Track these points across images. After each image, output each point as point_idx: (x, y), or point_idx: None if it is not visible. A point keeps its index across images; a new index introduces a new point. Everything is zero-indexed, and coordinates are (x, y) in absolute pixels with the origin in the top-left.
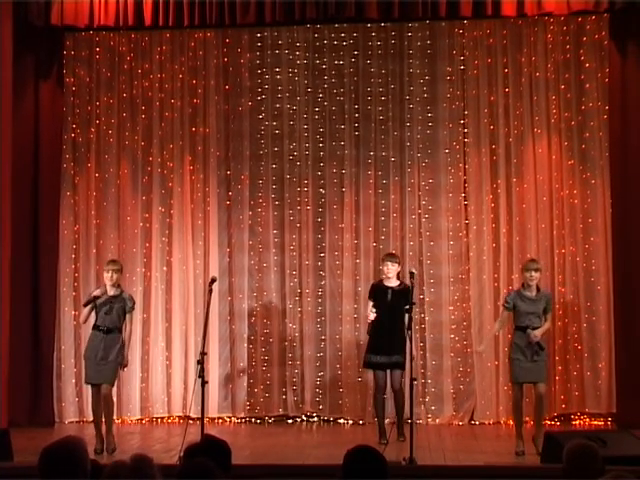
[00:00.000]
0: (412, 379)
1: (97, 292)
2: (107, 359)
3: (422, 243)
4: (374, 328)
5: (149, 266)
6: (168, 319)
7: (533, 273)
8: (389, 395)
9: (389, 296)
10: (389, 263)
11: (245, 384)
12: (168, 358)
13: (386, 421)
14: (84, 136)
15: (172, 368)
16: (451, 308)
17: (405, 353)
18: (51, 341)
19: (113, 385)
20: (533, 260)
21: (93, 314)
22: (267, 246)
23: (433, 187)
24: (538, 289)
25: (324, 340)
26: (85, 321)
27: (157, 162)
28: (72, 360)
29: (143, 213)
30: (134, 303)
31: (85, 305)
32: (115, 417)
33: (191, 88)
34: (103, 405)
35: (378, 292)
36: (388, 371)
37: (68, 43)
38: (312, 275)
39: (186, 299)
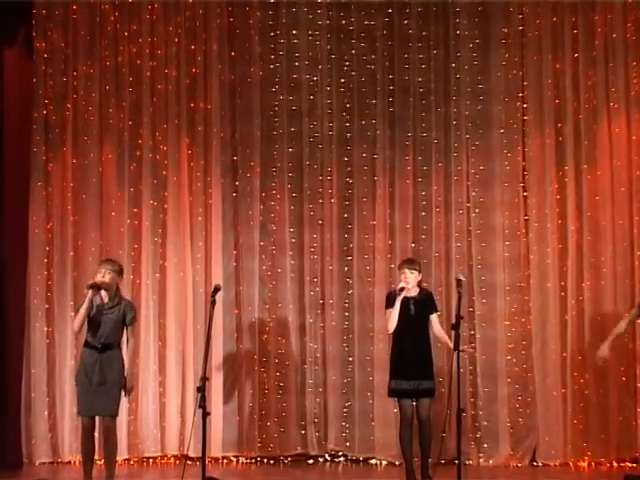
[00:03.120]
0: (460, 410)
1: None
2: (105, 383)
3: (471, 244)
4: (396, 347)
5: (138, 272)
6: (162, 337)
7: None
8: (416, 428)
9: (411, 308)
10: (407, 271)
11: (256, 416)
12: (162, 384)
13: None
14: (58, 113)
15: (166, 397)
16: (507, 323)
17: (434, 376)
18: (19, 365)
19: (116, 416)
20: None
21: (84, 325)
22: (282, 248)
23: (485, 175)
24: None
25: (352, 362)
26: (80, 328)
27: (148, 145)
28: (44, 388)
29: (131, 208)
30: (136, 312)
31: (79, 307)
32: (97, 457)
33: (189, 55)
34: (104, 442)
35: (395, 303)
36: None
37: None
38: (337, 283)
39: (184, 312)
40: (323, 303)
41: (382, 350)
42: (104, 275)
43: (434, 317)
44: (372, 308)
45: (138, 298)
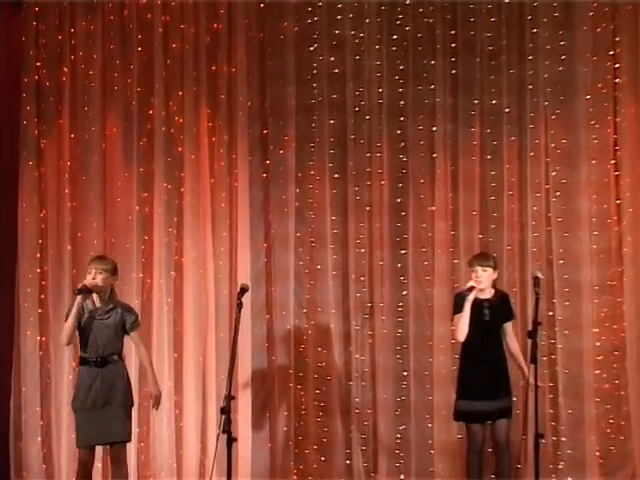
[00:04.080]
0: (538, 436)
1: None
2: (110, 404)
3: (552, 234)
4: (466, 359)
5: (149, 270)
6: (178, 347)
7: None
8: (490, 454)
9: (486, 312)
10: (479, 268)
11: (291, 443)
12: (178, 405)
13: None
14: (53, 79)
15: (184, 419)
16: (596, 330)
17: (511, 392)
18: (6, 381)
19: (129, 440)
20: None
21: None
22: (322, 239)
23: (568, 151)
24: None
25: (407, 377)
26: (69, 340)
27: (160, 117)
28: (37, 409)
29: (141, 192)
30: (137, 316)
31: (68, 314)
32: None
33: (209, 7)
34: (112, 474)
35: (464, 307)
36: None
37: None
38: (389, 282)
39: (204, 318)
40: (372, 306)
41: (443, 363)
42: (94, 276)
43: (509, 327)
44: (431, 312)
45: (149, 301)
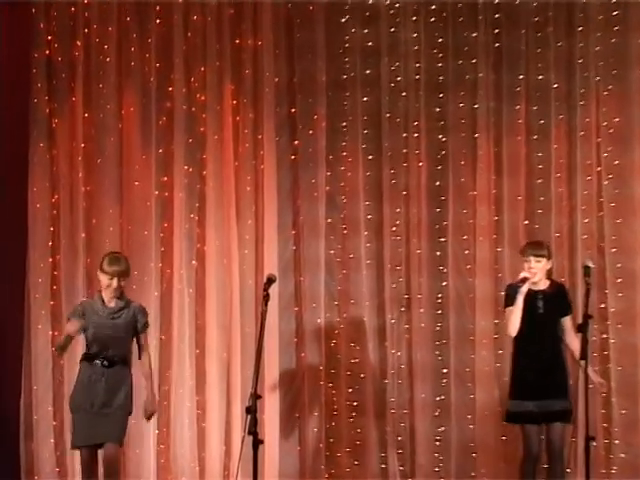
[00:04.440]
0: (588, 439)
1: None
2: (110, 406)
3: (603, 220)
4: (518, 356)
5: (169, 260)
6: (200, 343)
7: None
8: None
9: (540, 304)
10: (533, 258)
11: (322, 445)
12: (200, 405)
13: None
14: (66, 54)
15: (207, 420)
16: None
17: (569, 393)
18: (16, 379)
19: (122, 445)
20: None
21: (81, 337)
22: (355, 226)
23: (621, 130)
24: None
25: (446, 375)
26: (63, 352)
27: (181, 94)
28: (50, 408)
29: (160, 175)
30: (147, 320)
31: (70, 317)
32: None
33: None
34: (105, 475)
35: (517, 299)
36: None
37: None
38: (427, 271)
39: (228, 311)
40: (409, 298)
41: (486, 359)
42: (117, 284)
43: (567, 322)
44: (472, 304)
45: (169, 293)
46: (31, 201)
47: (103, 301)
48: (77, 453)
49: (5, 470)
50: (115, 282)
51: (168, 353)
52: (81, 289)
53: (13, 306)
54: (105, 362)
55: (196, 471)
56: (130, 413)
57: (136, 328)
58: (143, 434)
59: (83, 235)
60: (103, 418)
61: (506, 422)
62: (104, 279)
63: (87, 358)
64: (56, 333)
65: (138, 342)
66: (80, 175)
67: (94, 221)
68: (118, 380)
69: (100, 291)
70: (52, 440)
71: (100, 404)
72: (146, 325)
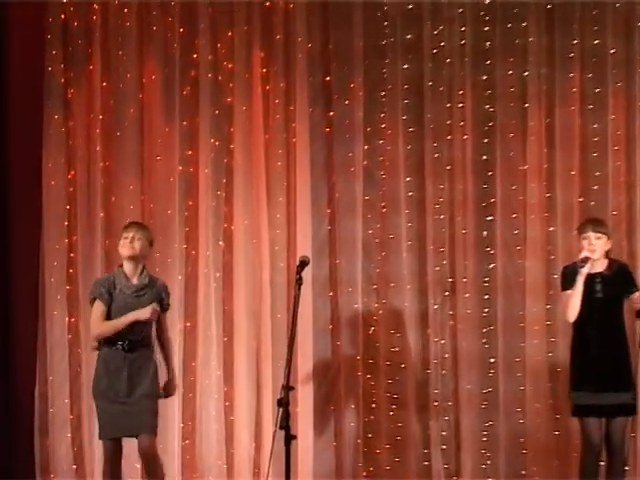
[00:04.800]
0: None
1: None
2: (137, 393)
3: None
4: (577, 343)
5: (194, 240)
6: (227, 330)
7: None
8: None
9: (598, 288)
10: (592, 234)
11: (360, 441)
12: (228, 396)
13: None
14: (82, 18)
15: (235, 413)
16: None
17: (635, 384)
18: (30, 369)
19: (156, 434)
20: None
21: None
22: (395, 203)
23: None
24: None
25: (494, 365)
26: (102, 338)
27: (206, 61)
28: (66, 400)
29: (184, 149)
30: (169, 297)
31: (94, 298)
32: None
33: None
34: (144, 471)
35: (577, 281)
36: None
37: None
38: (473, 253)
39: (257, 296)
40: (453, 282)
41: (537, 348)
42: (132, 241)
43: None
44: (522, 288)
45: (194, 276)
46: (45, 178)
47: (126, 277)
48: (97, 450)
49: (19, 467)
50: (132, 238)
51: (193, 341)
52: (99, 272)
53: (26, 291)
54: (127, 346)
55: (223, 469)
56: (159, 397)
57: (161, 307)
58: (167, 429)
59: (101, 214)
60: (130, 408)
61: (573, 416)
62: (121, 245)
63: (108, 342)
64: (72, 319)
65: (159, 322)
66: (98, 149)
67: (113, 199)
68: (142, 364)
69: (121, 265)
70: (69, 435)
71: (125, 393)
72: (169, 305)
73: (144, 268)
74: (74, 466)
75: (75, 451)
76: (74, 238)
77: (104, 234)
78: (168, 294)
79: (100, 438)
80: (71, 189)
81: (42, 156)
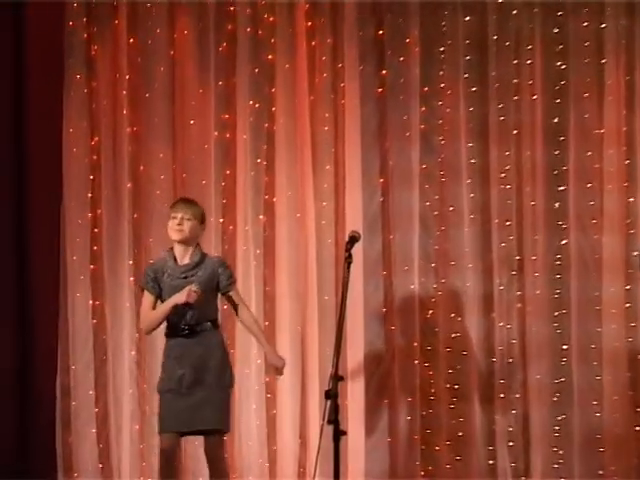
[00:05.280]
0: None
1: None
2: (202, 383)
3: None
4: None
5: (232, 214)
6: (269, 314)
7: None
8: None
9: None
10: None
11: (417, 437)
12: (270, 388)
13: None
14: None
15: (278, 407)
16: None
17: None
18: (51, 358)
19: (227, 429)
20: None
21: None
22: (456, 172)
23: None
24: None
25: (567, 352)
26: (152, 329)
27: (244, 15)
28: (91, 392)
29: (220, 112)
30: (233, 272)
31: (145, 286)
32: None
33: None
34: (210, 469)
35: None
36: None
37: None
38: (543, 227)
39: (302, 276)
40: (521, 260)
41: (615, 333)
42: (181, 222)
43: None
44: (599, 267)
45: (232, 253)
46: (65, 145)
47: (175, 259)
48: (125, 447)
49: (39, 466)
50: (180, 219)
51: (231, 326)
52: (126, 250)
53: (46, 271)
54: (186, 331)
55: (265, 468)
56: (230, 386)
57: (218, 287)
58: None
59: (129, 185)
60: (196, 400)
61: None
62: (169, 223)
63: (169, 334)
64: (97, 302)
65: (230, 302)
66: (124, 113)
67: (142, 168)
68: (206, 350)
69: (172, 248)
70: (94, 430)
71: (189, 383)
72: (232, 280)
73: (197, 246)
74: (99, 465)
75: (100, 448)
76: (98, 212)
77: (131, 207)
78: (227, 268)
79: (158, 432)
80: (95, 157)
81: (62, 121)
